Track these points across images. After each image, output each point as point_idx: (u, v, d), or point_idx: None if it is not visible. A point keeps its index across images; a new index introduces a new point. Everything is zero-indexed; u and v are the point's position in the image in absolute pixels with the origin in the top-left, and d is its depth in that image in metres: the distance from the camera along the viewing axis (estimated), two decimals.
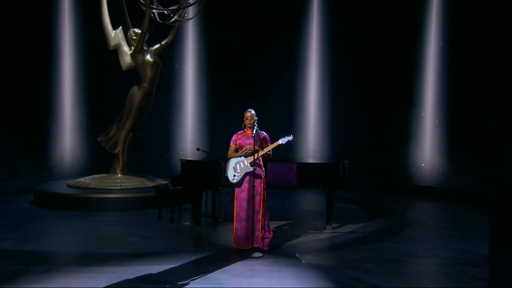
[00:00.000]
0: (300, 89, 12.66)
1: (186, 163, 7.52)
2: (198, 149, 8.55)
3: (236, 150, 6.01)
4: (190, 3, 9.18)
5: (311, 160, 11.29)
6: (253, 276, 5.01)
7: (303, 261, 5.60)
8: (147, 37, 9.34)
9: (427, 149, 11.07)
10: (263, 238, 5.90)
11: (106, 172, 9.77)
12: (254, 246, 5.84)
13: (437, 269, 5.61)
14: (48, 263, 5.52)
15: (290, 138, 5.93)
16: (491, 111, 3.15)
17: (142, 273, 4.99)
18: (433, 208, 9.65)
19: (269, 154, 5.99)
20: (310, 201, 10.09)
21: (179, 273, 5.06)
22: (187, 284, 4.70)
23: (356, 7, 11.65)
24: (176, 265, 5.33)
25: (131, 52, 9.43)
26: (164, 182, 9.56)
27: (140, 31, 9.24)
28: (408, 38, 11.35)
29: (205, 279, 4.86)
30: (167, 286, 4.67)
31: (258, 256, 5.73)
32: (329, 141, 12.41)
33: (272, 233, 6.08)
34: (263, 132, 6.04)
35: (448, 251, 6.20)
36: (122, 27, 9.62)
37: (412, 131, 11.36)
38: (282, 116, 12.24)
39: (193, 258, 5.67)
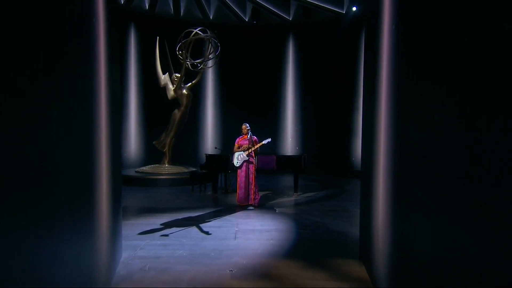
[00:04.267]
0: (281, 106, 12.47)
1: (208, 156, 7.89)
2: (215, 147, 9.19)
3: (238, 147, 6.45)
4: (210, 57, 9.46)
5: (288, 154, 11.85)
6: (248, 218, 5.67)
7: (277, 211, 6.15)
8: (183, 78, 9.47)
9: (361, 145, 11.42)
10: (254, 199, 6.36)
11: (158, 163, 9.91)
12: (249, 203, 6.32)
13: (357, 215, 6.24)
14: (131, 212, 6.07)
15: (269, 140, 6.40)
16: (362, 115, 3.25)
17: (186, 216, 5.67)
18: None
19: (258, 150, 6.40)
20: (285, 179, 9.92)
21: (206, 216, 5.71)
22: (211, 221, 5.35)
23: (315, 58, 11.76)
24: (204, 213, 5.94)
25: (174, 88, 9.59)
26: (194, 169, 9.44)
27: (179, 75, 9.44)
28: (349, 72, 11.37)
29: (221, 219, 5.54)
30: (199, 221, 5.29)
31: (251, 208, 6.24)
32: (298, 141, 12.27)
33: (260, 196, 6.60)
34: (254, 136, 6.41)
35: None
36: (168, 72, 9.73)
37: (352, 131, 11.36)
38: (270, 123, 12.13)
39: (213, 209, 6.22)
